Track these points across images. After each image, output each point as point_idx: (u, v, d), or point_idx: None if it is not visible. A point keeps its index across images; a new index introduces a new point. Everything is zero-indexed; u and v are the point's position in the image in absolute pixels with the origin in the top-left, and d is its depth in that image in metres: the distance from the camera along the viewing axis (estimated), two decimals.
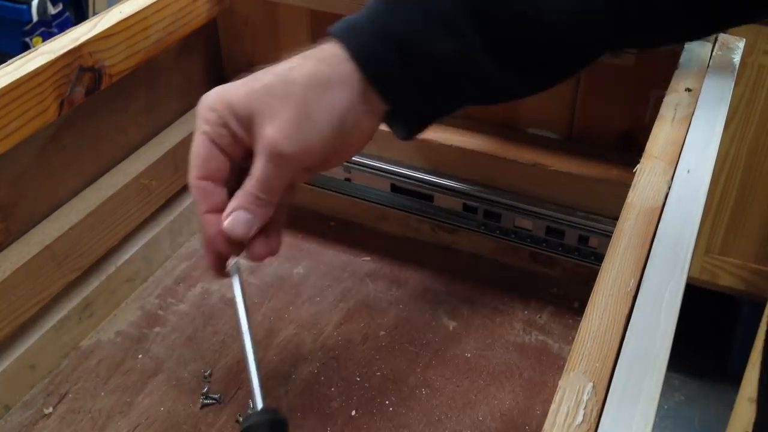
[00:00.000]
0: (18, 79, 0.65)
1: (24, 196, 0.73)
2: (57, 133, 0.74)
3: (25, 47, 2.28)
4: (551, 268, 0.86)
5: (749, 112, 1.66)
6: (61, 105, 0.70)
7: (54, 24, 2.41)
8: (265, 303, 0.83)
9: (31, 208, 0.74)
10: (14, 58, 0.67)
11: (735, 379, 1.50)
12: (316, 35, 0.88)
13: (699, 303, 1.92)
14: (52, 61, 0.68)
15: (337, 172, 0.89)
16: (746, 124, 1.67)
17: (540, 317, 0.82)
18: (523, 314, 0.83)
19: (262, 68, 0.54)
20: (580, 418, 0.41)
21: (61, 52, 0.69)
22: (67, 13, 2.46)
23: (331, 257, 0.90)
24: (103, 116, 0.79)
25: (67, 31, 0.72)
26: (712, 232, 1.75)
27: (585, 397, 0.42)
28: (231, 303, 0.83)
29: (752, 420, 1.42)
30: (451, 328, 0.81)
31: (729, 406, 1.51)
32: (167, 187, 0.86)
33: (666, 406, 1.96)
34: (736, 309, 1.99)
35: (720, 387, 1.99)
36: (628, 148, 0.80)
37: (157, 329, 0.81)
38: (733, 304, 2.00)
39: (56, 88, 0.69)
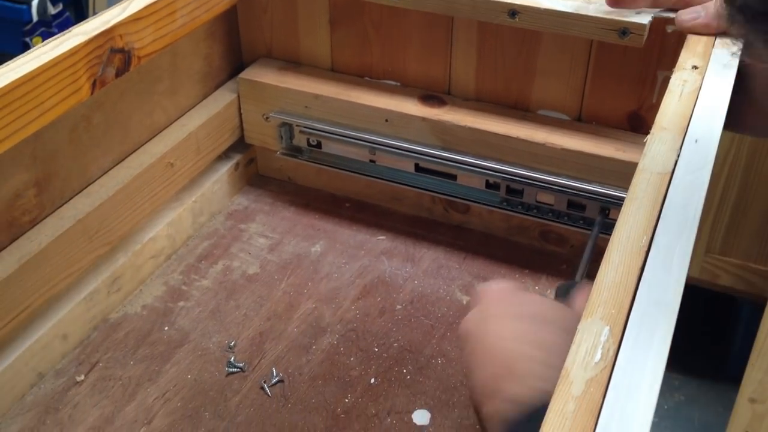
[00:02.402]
0: (55, 58, 0.67)
1: (57, 173, 0.76)
2: (88, 112, 0.78)
3: (25, 47, 2.29)
4: (561, 246, 0.89)
5: None
6: (94, 85, 0.73)
7: (54, 24, 2.40)
8: (284, 279, 0.86)
9: (63, 185, 0.77)
10: (49, 39, 0.70)
11: (735, 379, 1.50)
12: (334, 23, 0.91)
13: (699, 303, 1.95)
14: (86, 41, 0.70)
15: (363, 154, 0.92)
16: None
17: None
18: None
19: None
20: (598, 356, 0.44)
21: (94, 33, 0.71)
22: (67, 13, 2.47)
23: (347, 237, 0.92)
24: (130, 98, 0.82)
25: (98, 14, 0.75)
26: (712, 232, 1.74)
27: (602, 339, 0.45)
28: (252, 279, 0.86)
29: (752, 420, 1.43)
30: (464, 302, 0.84)
31: (729, 406, 1.51)
32: (190, 167, 0.89)
33: (666, 406, 1.97)
34: (736, 309, 2.01)
35: (720, 387, 2.00)
36: (637, 128, 0.83)
37: (181, 303, 0.83)
38: (733, 304, 2.01)
39: (89, 68, 0.71)
